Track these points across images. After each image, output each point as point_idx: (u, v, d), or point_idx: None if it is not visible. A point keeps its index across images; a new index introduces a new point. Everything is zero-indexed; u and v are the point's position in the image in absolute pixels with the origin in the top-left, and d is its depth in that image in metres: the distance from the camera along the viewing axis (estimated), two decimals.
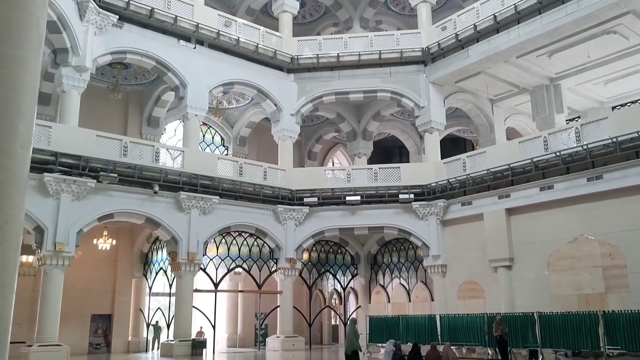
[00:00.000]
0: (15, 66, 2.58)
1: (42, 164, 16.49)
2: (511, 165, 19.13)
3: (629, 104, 24.71)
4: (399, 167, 23.27)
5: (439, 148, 23.06)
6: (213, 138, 27.92)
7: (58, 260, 16.72)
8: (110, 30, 19.13)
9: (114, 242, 22.25)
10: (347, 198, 22.04)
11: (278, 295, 22.68)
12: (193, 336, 20.28)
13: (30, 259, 19.93)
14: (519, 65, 21.59)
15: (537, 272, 18.37)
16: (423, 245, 21.89)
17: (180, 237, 19.44)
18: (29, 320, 19.14)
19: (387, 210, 22.16)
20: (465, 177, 20.69)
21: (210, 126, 27.61)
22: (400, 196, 21.73)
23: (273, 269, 22.53)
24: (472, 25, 21.10)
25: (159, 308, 23.77)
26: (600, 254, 16.75)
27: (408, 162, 28.66)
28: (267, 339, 23.10)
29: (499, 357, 16.17)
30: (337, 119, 26.87)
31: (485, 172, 19.94)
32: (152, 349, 23.11)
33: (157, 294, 24.02)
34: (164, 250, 21.07)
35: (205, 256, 20.47)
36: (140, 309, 23.43)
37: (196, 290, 20.42)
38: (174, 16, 20.66)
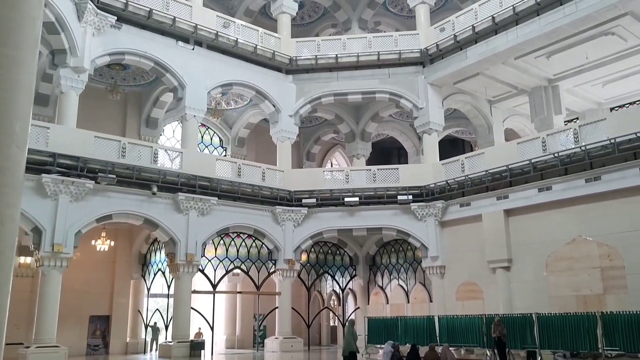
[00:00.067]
0: (11, 67, 2.57)
1: (40, 165, 16.47)
2: (509, 167, 19.15)
3: (627, 105, 24.75)
4: (397, 168, 23.28)
5: (438, 149, 23.07)
6: (211, 139, 27.92)
7: (56, 262, 16.70)
8: (108, 31, 19.13)
9: (112, 243, 22.23)
10: (346, 199, 22.05)
11: (276, 296, 22.66)
12: (191, 337, 20.24)
13: (28, 260, 19.94)
14: (517, 66, 21.62)
15: (536, 273, 18.38)
16: (421, 246, 21.90)
17: (179, 238, 19.43)
18: (27, 321, 19.11)
19: (385, 211, 22.17)
20: (463, 178, 20.70)
21: (208, 127, 27.60)
22: (399, 197, 21.74)
23: (271, 270, 22.52)
24: (471, 27, 21.13)
25: (157, 309, 23.73)
26: (599, 255, 16.77)
27: (406, 163, 28.66)
28: (265, 340, 23.09)
29: (497, 359, 16.17)
30: (336, 120, 26.88)
31: (484, 173, 19.95)
32: (151, 350, 23.06)
33: (155, 295, 23.99)
34: (163, 252, 21.05)
35: (203, 257, 20.45)
36: (139, 310, 23.41)
37: (194, 292, 20.41)
38: (173, 17, 20.66)
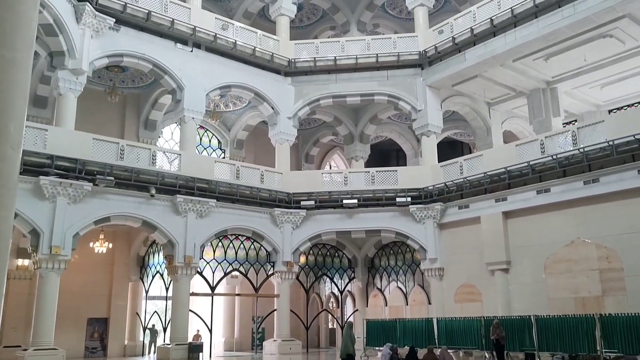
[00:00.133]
0: (6, 67, 2.57)
1: (38, 167, 16.45)
2: (508, 169, 19.16)
3: (625, 108, 24.77)
4: (396, 170, 23.27)
5: (436, 151, 23.08)
6: (210, 141, 27.90)
7: (54, 264, 16.65)
8: (107, 33, 19.13)
9: (111, 245, 22.19)
10: (344, 201, 22.03)
11: (275, 298, 22.62)
12: (190, 340, 20.20)
13: (26, 262, 19.88)
14: (515, 68, 21.65)
15: (534, 275, 18.38)
16: (420, 248, 21.88)
17: (177, 240, 19.40)
18: (25, 323, 19.06)
19: (384, 213, 22.16)
20: (462, 180, 20.71)
21: (207, 129, 27.60)
22: (398, 199, 21.74)
23: (270, 273, 22.49)
24: (469, 29, 21.15)
25: (155, 312, 23.69)
26: (597, 257, 16.77)
27: (405, 165, 28.68)
28: (264, 343, 23.04)
29: None
30: (335, 122, 26.89)
31: (482, 175, 19.96)
32: (149, 352, 23.01)
33: (153, 298, 23.97)
34: (161, 254, 21.02)
35: (202, 259, 20.42)
36: (137, 313, 23.36)
37: (193, 294, 20.37)
38: (171, 19, 20.66)
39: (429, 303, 22.32)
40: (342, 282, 25.74)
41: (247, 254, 22.21)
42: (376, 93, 23.65)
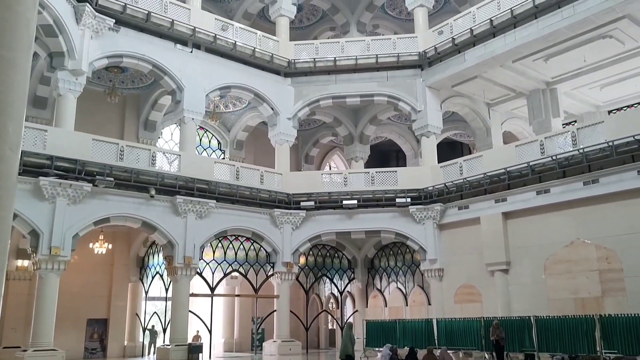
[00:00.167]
0: (5, 68, 2.56)
1: (37, 168, 16.45)
2: (508, 169, 19.16)
3: (624, 108, 24.78)
4: (395, 171, 23.27)
5: (436, 152, 23.08)
6: (210, 142, 27.90)
7: (54, 265, 16.64)
8: (106, 34, 19.13)
9: (110, 246, 22.18)
10: (344, 202, 22.03)
11: (275, 299, 22.62)
12: (189, 341, 20.18)
13: (26, 263, 19.88)
14: (515, 69, 21.65)
15: (534, 276, 18.38)
16: (420, 249, 21.88)
17: (177, 241, 19.39)
18: (24, 324, 19.03)
19: (384, 214, 22.16)
20: (462, 181, 20.71)
21: (207, 130, 27.60)
22: (397, 200, 21.73)
23: (270, 273, 22.48)
24: (469, 30, 21.15)
25: (155, 312, 23.69)
26: (597, 258, 16.77)
27: (405, 166, 28.68)
28: (263, 344, 23.03)
29: None
30: (334, 122, 26.89)
31: (482, 176, 19.95)
32: (148, 353, 23.00)
33: (153, 298, 23.95)
34: (160, 255, 21.01)
35: (201, 260, 20.41)
36: (137, 314, 23.35)
37: (192, 295, 20.36)
38: (171, 20, 20.66)
39: (429, 304, 22.31)
40: (342, 282, 25.73)
41: (246, 254, 22.20)
42: (376, 94, 23.65)
